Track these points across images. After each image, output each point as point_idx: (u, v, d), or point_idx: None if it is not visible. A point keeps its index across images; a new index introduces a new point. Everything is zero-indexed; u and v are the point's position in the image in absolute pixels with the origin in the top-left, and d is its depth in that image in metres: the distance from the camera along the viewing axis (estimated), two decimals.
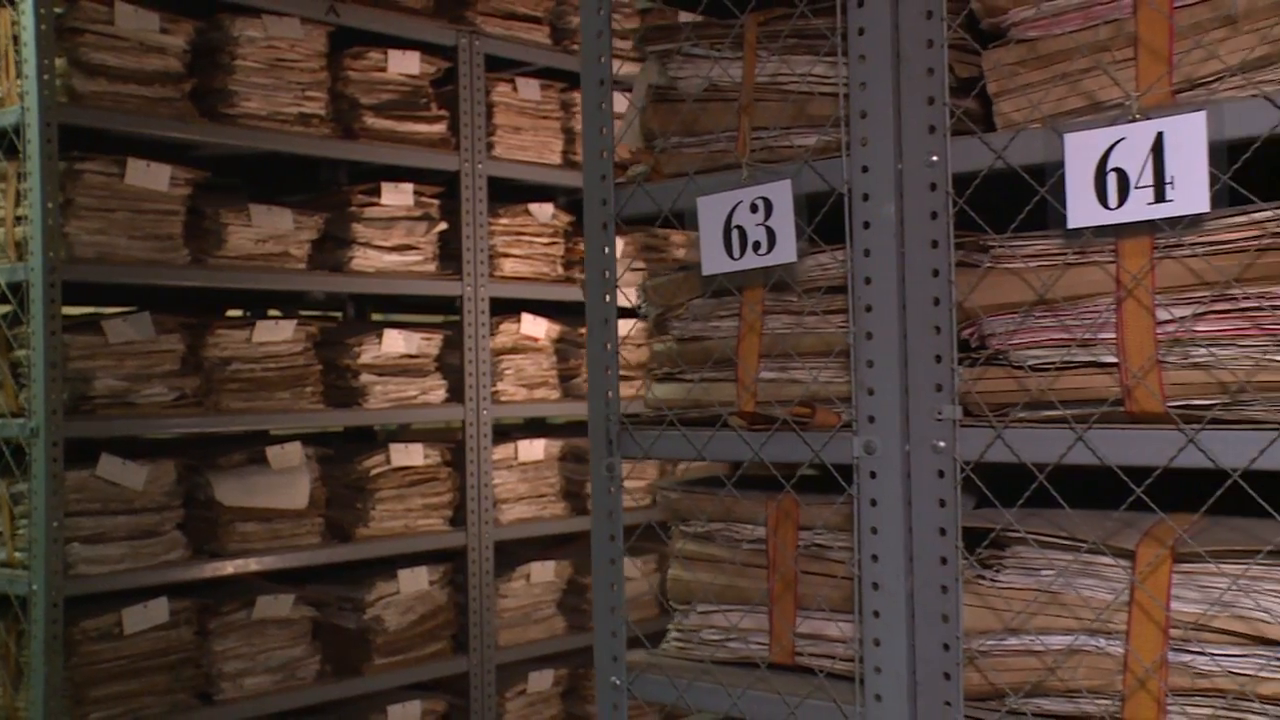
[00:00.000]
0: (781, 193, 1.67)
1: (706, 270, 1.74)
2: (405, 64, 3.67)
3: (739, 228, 1.71)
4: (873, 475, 1.59)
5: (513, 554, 4.00)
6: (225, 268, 3.26)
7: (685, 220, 1.78)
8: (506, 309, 3.98)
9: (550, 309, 4.09)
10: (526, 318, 4.00)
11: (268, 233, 3.34)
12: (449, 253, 3.88)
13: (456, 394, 3.83)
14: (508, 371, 3.96)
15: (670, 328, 1.91)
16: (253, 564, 3.23)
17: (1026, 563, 1.54)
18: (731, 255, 1.72)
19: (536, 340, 4.02)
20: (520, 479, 3.97)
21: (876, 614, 1.59)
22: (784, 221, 1.67)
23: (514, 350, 3.99)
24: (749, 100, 1.78)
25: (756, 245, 1.70)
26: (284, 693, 3.28)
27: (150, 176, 3.05)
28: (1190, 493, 1.40)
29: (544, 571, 3.98)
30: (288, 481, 3.34)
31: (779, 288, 1.76)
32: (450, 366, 3.88)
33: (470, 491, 3.80)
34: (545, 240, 4.06)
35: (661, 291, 1.92)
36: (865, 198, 1.60)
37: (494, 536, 3.85)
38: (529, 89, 3.99)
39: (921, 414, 1.56)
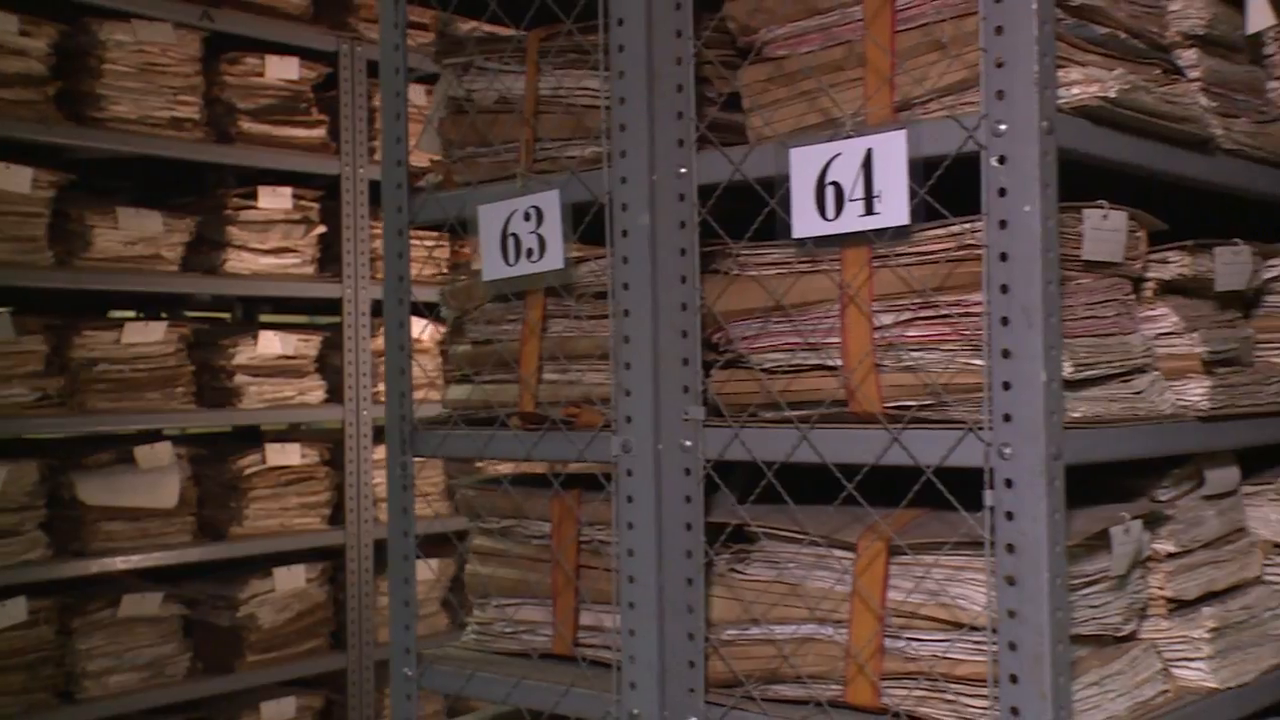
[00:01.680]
0: (550, 202, 1.74)
1: (486, 276, 1.81)
2: (284, 69, 3.71)
3: (514, 235, 1.78)
4: (629, 473, 1.66)
5: None
6: (92, 269, 3.30)
7: (469, 227, 1.85)
8: None
9: (434, 311, 4.14)
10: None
11: (136, 235, 3.38)
12: (333, 255, 3.93)
13: (338, 395, 3.88)
14: None
15: (466, 331, 1.98)
16: (118, 563, 3.26)
17: (771, 556, 1.62)
18: (508, 262, 1.79)
19: (420, 341, 4.07)
20: None
21: (632, 605, 1.66)
22: (553, 230, 1.74)
23: None
24: (531, 112, 1.85)
25: (530, 252, 1.77)
26: (151, 690, 3.32)
27: (10, 179, 3.08)
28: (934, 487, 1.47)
29: (425, 569, 4.04)
30: (156, 481, 3.38)
31: (559, 292, 1.83)
32: (334, 368, 3.93)
33: (350, 491, 3.86)
34: (430, 243, 4.11)
35: (458, 296, 1.99)
36: (624, 207, 1.67)
37: (374, 535, 3.90)
38: (413, 94, 4.04)
39: (671, 414, 1.63)
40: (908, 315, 1.47)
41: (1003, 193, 1.35)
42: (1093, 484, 1.63)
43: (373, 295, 3.92)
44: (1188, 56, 1.67)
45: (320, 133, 3.82)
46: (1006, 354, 1.35)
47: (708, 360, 1.66)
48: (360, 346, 3.89)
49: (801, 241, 1.52)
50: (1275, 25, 1.74)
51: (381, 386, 3.98)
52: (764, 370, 1.60)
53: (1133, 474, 1.66)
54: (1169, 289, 1.66)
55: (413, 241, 3.98)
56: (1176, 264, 1.63)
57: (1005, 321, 1.35)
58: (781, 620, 1.59)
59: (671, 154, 1.63)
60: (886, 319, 1.49)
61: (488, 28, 2.10)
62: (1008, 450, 1.35)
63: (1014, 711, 1.34)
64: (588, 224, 1.73)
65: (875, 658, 1.50)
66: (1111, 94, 1.39)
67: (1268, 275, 1.85)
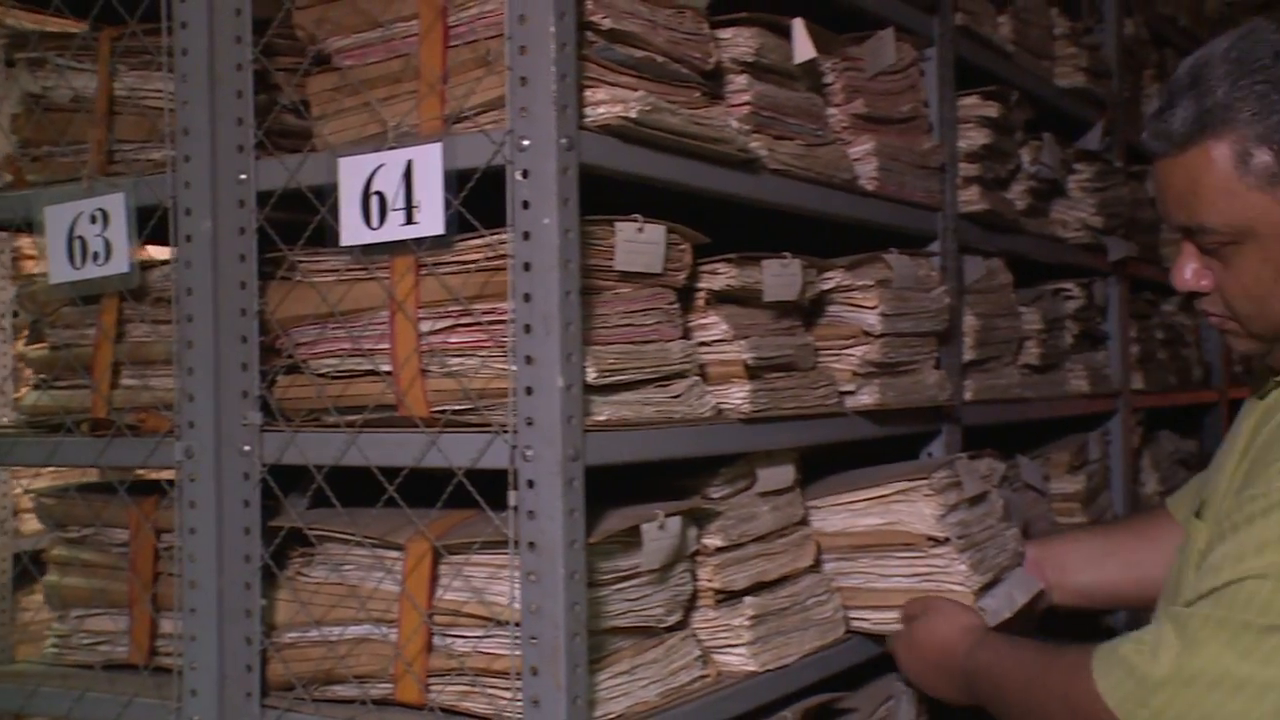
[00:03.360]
0: (116, 205, 1.71)
1: (52, 280, 1.77)
2: None
3: (81, 238, 1.74)
4: (192, 479, 1.65)
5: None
6: None
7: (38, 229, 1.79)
8: None
9: None
10: None
11: None
12: None
13: None
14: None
15: (46, 335, 1.91)
16: None
17: (331, 559, 1.64)
18: (74, 265, 1.75)
19: None
20: None
21: (194, 611, 1.65)
22: (119, 234, 1.71)
23: None
24: (103, 113, 1.81)
25: (96, 256, 1.73)
26: None
27: None
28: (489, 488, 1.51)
29: None
30: None
31: (134, 297, 1.79)
32: None
33: None
34: None
35: (36, 299, 1.92)
36: (188, 212, 1.66)
37: (13, 548, 3.70)
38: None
39: (232, 420, 1.63)
40: (450, 322, 1.52)
41: (526, 205, 1.41)
42: (655, 484, 1.72)
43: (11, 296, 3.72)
44: (738, 82, 1.78)
45: None
46: (529, 360, 1.41)
47: (275, 366, 1.66)
48: None
49: (361, 249, 1.54)
50: (816, 57, 1.88)
51: (23, 390, 3.78)
52: (321, 376, 1.61)
53: (693, 473, 1.76)
54: (722, 298, 1.77)
55: None
56: (724, 275, 1.74)
57: (528, 329, 1.41)
58: (340, 622, 1.61)
59: (232, 159, 1.63)
60: (431, 326, 1.54)
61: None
62: (530, 452, 1.41)
63: (535, 702, 1.40)
64: (163, 229, 1.70)
65: (422, 656, 1.54)
66: (633, 114, 1.48)
67: (825, 287, 2.00)
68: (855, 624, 1.94)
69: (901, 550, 1.92)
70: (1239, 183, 1.44)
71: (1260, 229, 1.45)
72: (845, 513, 1.96)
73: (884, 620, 1.92)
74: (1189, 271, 1.54)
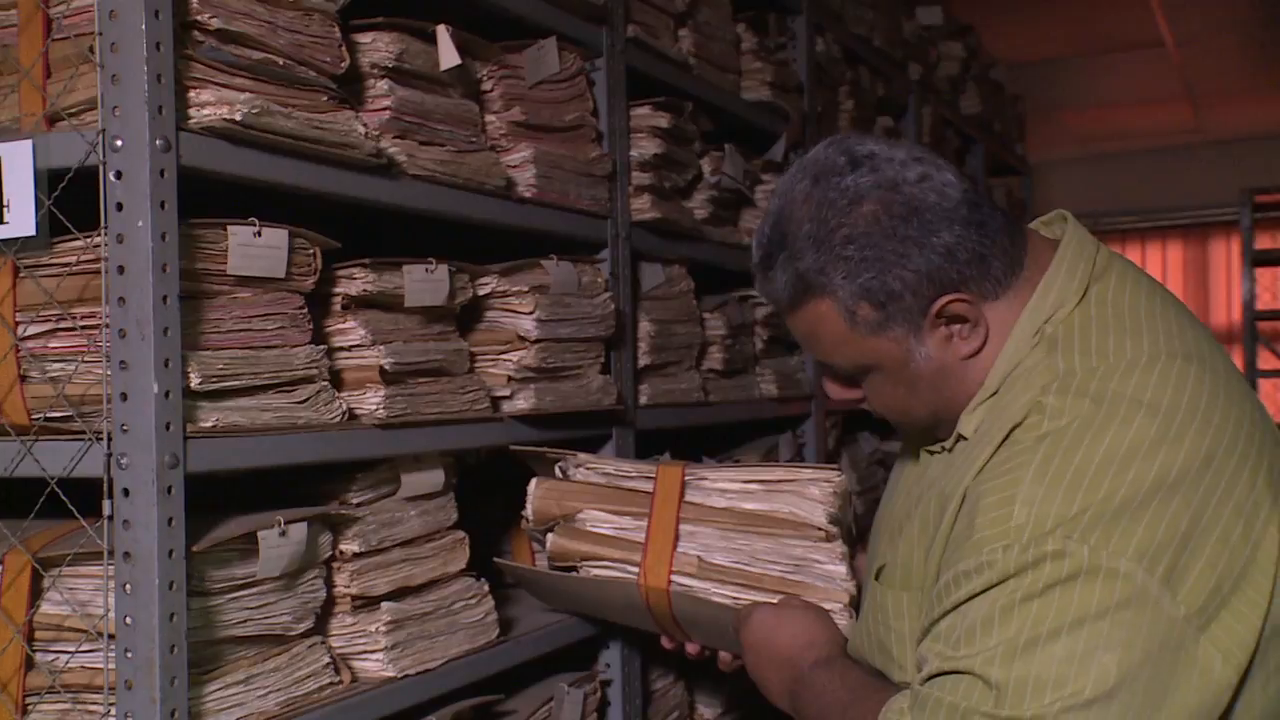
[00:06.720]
0: None
1: None
2: None
3: None
4: None
5: None
6: None
7: None
8: None
9: None
10: None
11: None
12: None
13: None
14: None
15: None
16: None
17: None
18: None
19: None
20: None
21: None
22: None
23: None
24: None
25: None
26: None
27: None
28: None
29: None
30: None
31: None
32: None
33: None
34: None
35: None
36: None
37: None
38: None
39: None
40: (49, 326, 1.47)
41: (120, 207, 1.37)
42: (307, 490, 1.71)
43: None
44: (379, 87, 1.78)
45: None
46: (124, 365, 1.37)
47: None
48: None
49: None
50: (473, 63, 1.89)
51: None
52: None
53: (341, 479, 1.75)
54: (362, 303, 1.75)
55: None
56: (361, 280, 1.73)
57: (123, 334, 1.37)
58: None
59: None
60: (31, 330, 1.48)
61: None
62: (125, 460, 1.37)
63: (129, 717, 1.37)
64: None
65: (19, 674, 1.47)
66: (238, 116, 1.45)
67: (481, 292, 2.01)
68: (715, 598, 1.81)
69: (789, 536, 1.82)
70: (851, 333, 1.47)
71: (882, 364, 1.49)
72: (736, 491, 1.88)
73: (742, 599, 1.80)
74: (837, 389, 1.59)
